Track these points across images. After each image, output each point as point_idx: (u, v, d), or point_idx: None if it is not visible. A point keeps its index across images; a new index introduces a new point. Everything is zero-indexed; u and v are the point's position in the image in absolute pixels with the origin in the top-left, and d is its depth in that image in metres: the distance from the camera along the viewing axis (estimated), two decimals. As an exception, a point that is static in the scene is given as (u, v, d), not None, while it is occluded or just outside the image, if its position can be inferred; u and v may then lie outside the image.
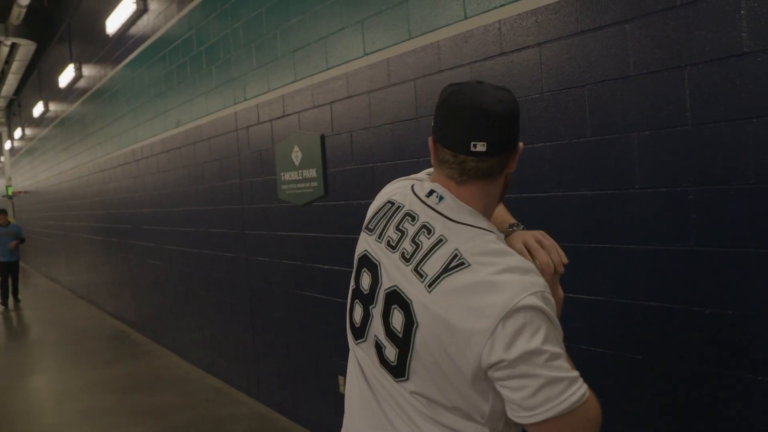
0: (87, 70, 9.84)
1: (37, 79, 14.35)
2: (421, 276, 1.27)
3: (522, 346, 1.16)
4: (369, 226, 1.46)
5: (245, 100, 4.94)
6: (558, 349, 1.20)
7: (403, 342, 1.30)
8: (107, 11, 7.81)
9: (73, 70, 10.27)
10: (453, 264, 1.25)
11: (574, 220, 2.55)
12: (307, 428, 4.58)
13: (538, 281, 1.24)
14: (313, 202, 4.21)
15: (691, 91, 2.14)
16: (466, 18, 2.98)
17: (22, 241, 11.77)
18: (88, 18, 9.29)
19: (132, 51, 7.46)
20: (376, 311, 1.37)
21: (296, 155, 4.30)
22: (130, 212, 8.28)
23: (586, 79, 2.47)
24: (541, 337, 1.18)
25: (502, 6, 2.80)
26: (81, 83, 10.30)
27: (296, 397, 4.71)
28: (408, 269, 1.30)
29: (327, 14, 3.89)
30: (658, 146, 2.25)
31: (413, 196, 1.40)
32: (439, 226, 1.31)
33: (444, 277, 1.24)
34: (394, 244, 1.36)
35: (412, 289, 1.28)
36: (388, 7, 3.43)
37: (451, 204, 1.33)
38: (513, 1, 2.74)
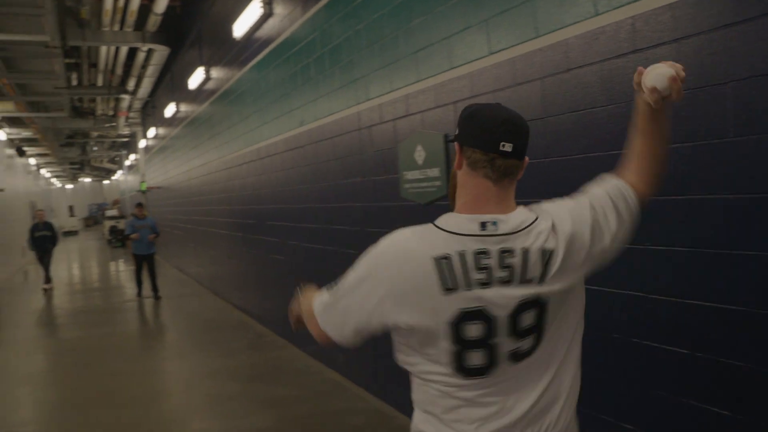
0: (215, 73, 10.33)
1: (169, 81, 15.21)
2: (531, 281, 1.52)
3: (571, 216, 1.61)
4: (448, 286, 1.49)
5: (368, 99, 5.03)
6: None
7: (537, 327, 1.55)
8: (234, 16, 8.16)
9: (203, 72, 10.82)
10: (545, 257, 1.53)
11: (715, 225, 2.43)
12: (425, 425, 4.61)
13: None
14: (436, 201, 4.23)
15: None
16: (596, 15, 2.91)
17: (157, 234, 12.07)
18: (217, 23, 9.75)
19: (258, 53, 7.76)
20: (501, 338, 1.53)
21: (419, 154, 4.34)
22: (255, 208, 8.63)
23: (729, 76, 2.35)
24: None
25: (635, 1, 2.71)
26: (209, 85, 10.83)
27: (414, 394, 4.75)
28: (514, 285, 1.51)
29: (450, 14, 3.90)
30: (811, 146, 2.11)
31: (464, 237, 1.52)
32: (512, 244, 1.52)
33: (546, 269, 1.53)
34: (487, 281, 1.51)
35: (530, 292, 1.52)
36: (514, 6, 3.39)
37: (504, 220, 1.54)
38: (648, -4, 2.65)
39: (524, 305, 1.52)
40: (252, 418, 5.18)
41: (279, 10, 6.92)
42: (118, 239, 28.14)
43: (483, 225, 1.53)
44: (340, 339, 1.64)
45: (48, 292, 13.75)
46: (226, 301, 10.99)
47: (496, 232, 1.52)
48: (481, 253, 1.50)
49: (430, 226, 1.57)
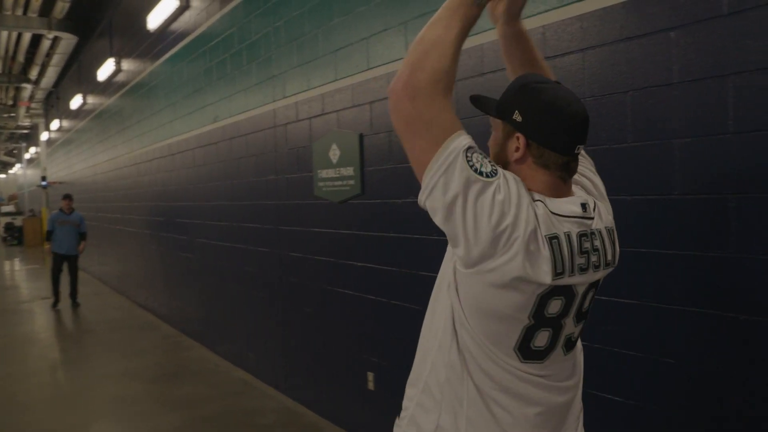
0: (126, 65, 10.03)
1: (76, 72, 14.63)
2: (609, 265, 1.51)
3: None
4: (557, 271, 1.37)
5: (284, 97, 5.02)
6: None
7: (588, 313, 1.54)
8: (149, 7, 7.95)
9: (113, 64, 10.47)
10: (612, 236, 1.54)
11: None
12: (334, 423, 4.64)
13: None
14: (349, 200, 4.27)
15: (735, 99, 2.16)
16: (510, 22, 3.02)
17: (84, 238, 10.65)
18: (130, 13, 9.47)
19: (172, 47, 7.60)
20: (568, 319, 1.47)
21: (334, 153, 4.37)
22: (164, 205, 8.42)
23: (629, 86, 2.50)
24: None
25: (546, 11, 2.83)
26: (120, 77, 10.49)
27: (325, 393, 4.77)
28: (602, 269, 1.50)
29: (370, 15, 3.95)
30: (699, 153, 2.27)
31: (568, 219, 1.41)
32: (597, 225, 1.50)
33: (614, 247, 1.54)
34: (585, 266, 1.44)
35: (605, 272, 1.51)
36: (432, 10, 3.45)
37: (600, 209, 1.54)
38: (558, 7, 2.78)
39: (593, 283, 1.49)
40: (157, 419, 5.05)
41: (196, 3, 6.80)
42: (14, 237, 26.72)
43: (584, 206, 1.45)
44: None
45: None
46: (132, 301, 10.65)
47: (591, 214, 1.46)
48: (584, 236, 1.43)
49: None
